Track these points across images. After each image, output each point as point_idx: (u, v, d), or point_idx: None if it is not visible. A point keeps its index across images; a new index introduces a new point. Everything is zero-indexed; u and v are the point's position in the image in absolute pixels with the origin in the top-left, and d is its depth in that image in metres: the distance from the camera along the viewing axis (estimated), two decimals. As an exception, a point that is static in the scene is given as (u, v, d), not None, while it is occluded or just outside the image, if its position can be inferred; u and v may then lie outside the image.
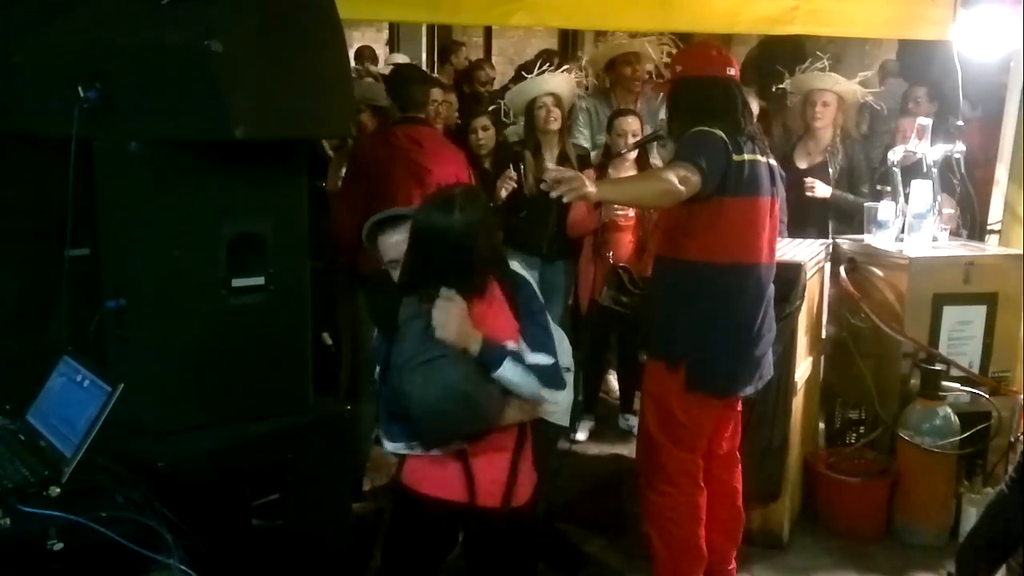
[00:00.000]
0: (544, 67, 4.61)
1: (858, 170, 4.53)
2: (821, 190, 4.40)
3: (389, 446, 2.40)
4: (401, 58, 7.51)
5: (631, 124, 4.21)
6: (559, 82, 4.48)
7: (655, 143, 4.17)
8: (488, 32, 8.93)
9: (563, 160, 4.38)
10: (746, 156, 2.75)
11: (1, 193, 2.74)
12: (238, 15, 2.34)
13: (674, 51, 4.88)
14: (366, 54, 6.93)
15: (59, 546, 1.82)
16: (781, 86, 4.74)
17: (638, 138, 4.14)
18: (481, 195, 2.45)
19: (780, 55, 5.06)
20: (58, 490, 1.95)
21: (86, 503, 1.92)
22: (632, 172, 4.24)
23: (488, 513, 2.35)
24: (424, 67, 8.19)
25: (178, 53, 2.27)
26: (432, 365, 2.19)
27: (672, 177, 2.61)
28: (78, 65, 2.39)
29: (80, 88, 2.32)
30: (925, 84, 4.90)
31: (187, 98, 2.28)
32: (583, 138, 4.89)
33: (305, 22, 2.47)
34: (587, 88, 4.98)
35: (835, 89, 4.48)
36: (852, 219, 4.37)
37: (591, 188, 2.46)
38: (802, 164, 4.52)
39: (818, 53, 4.56)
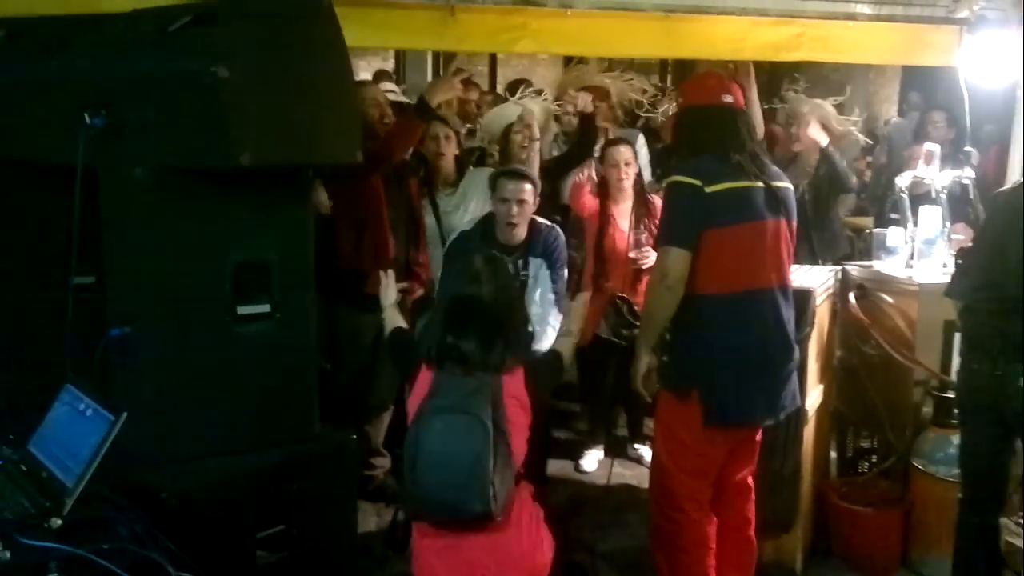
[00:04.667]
0: (524, 93, 4.61)
1: (839, 170, 4.42)
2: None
3: None
4: (389, 85, 7.48)
5: (623, 153, 4.20)
6: (534, 107, 4.50)
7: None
8: (493, 60, 8.98)
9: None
10: (726, 184, 2.76)
11: (6, 220, 2.73)
12: (244, 42, 2.34)
13: (639, 86, 4.90)
14: (384, 77, 6.93)
15: (59, 579, 1.78)
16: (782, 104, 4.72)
17: (631, 166, 4.14)
18: (502, 263, 2.57)
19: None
20: (59, 522, 1.92)
21: (88, 535, 1.88)
22: (630, 202, 4.24)
23: None
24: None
25: (184, 79, 2.26)
26: (459, 417, 2.17)
27: (660, 283, 2.76)
28: (84, 92, 2.39)
29: (86, 115, 2.32)
30: (943, 108, 4.88)
31: (193, 124, 2.28)
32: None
33: (311, 49, 2.47)
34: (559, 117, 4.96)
35: (804, 111, 4.42)
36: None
37: (640, 360, 2.90)
38: None
39: (795, 75, 4.52)
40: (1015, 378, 2.77)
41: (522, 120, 4.31)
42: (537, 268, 3.54)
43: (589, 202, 4.25)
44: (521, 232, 3.47)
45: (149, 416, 2.34)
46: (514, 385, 2.31)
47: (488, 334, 2.31)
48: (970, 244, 3.08)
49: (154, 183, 2.38)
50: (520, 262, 3.52)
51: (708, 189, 2.74)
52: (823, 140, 4.37)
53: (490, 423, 2.18)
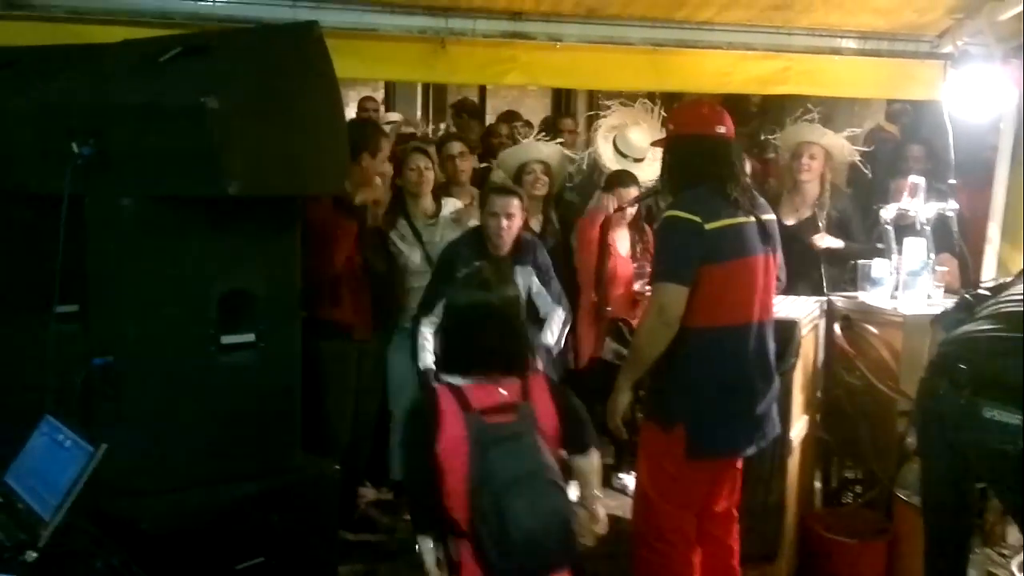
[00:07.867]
0: (539, 135, 4.65)
1: (850, 221, 4.45)
2: (828, 242, 4.31)
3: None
4: (395, 116, 7.55)
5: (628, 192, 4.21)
6: (550, 151, 4.50)
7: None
8: (482, 91, 9.03)
9: (547, 224, 4.42)
10: (725, 221, 2.74)
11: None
12: (235, 73, 2.36)
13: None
14: (369, 106, 6.96)
15: (34, 613, 1.76)
16: (773, 137, 4.76)
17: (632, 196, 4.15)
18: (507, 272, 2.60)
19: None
20: (35, 554, 1.90)
21: (64, 568, 1.87)
22: (626, 228, 4.24)
23: None
24: (420, 126, 8.23)
25: (174, 110, 2.27)
26: (539, 487, 2.14)
27: (658, 318, 2.71)
28: (73, 122, 2.39)
29: (74, 144, 2.33)
30: (920, 142, 4.92)
31: (182, 154, 2.29)
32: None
33: (301, 81, 2.49)
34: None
35: (822, 142, 4.41)
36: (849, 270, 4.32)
37: (622, 395, 2.84)
38: (789, 220, 4.36)
39: (809, 106, 4.54)
40: (979, 408, 2.67)
41: (534, 164, 4.37)
42: (527, 277, 3.76)
43: (591, 235, 4.24)
44: (509, 243, 3.71)
45: (129, 446, 2.31)
46: (538, 396, 2.29)
47: (506, 334, 2.30)
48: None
49: (141, 212, 2.39)
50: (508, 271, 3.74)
51: (708, 226, 2.70)
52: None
53: (553, 476, 2.19)
